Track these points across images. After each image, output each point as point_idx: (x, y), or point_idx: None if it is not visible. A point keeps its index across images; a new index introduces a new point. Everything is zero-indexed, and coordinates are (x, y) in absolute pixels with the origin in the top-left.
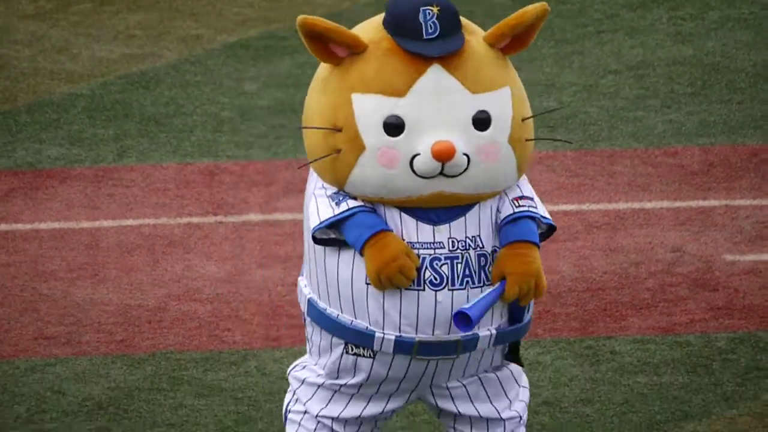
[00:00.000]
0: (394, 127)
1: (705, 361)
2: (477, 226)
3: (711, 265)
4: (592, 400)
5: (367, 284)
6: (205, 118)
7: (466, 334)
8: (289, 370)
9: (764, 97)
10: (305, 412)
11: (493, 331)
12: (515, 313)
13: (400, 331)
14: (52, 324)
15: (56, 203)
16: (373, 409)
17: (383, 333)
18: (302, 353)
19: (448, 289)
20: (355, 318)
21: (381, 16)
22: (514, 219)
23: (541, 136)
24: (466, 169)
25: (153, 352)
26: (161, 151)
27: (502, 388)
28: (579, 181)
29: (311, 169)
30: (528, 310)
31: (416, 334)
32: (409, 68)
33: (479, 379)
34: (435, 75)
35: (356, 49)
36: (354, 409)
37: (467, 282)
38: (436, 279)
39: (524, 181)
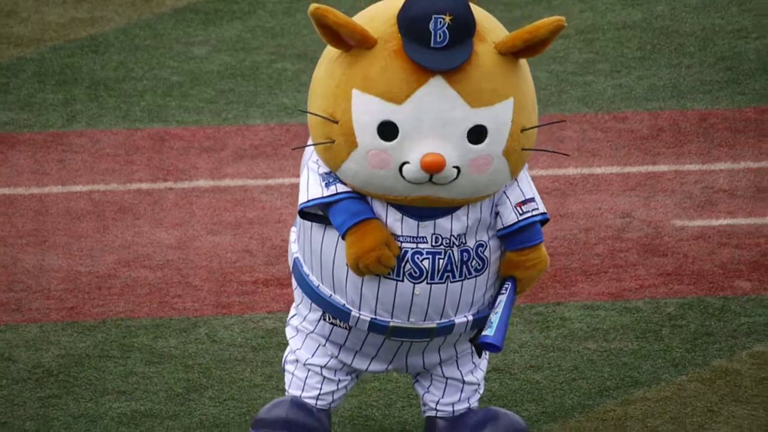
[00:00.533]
0: (388, 131)
1: (654, 327)
2: (464, 225)
3: (660, 230)
4: (542, 367)
5: (348, 266)
6: (154, 82)
7: (442, 321)
8: (288, 318)
9: (712, 61)
10: (296, 361)
11: (470, 318)
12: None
13: (375, 314)
14: (0, 291)
15: (5, 169)
16: (358, 364)
17: (359, 313)
18: (252, 321)
19: (427, 283)
20: (334, 293)
21: (398, 5)
22: (521, 228)
23: None
24: (455, 179)
25: (103, 319)
26: (110, 117)
27: (471, 351)
28: None
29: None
30: None
31: (391, 318)
32: (411, 76)
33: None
34: (436, 86)
35: (365, 44)
36: (338, 363)
37: (447, 276)
38: (415, 272)
39: (523, 174)
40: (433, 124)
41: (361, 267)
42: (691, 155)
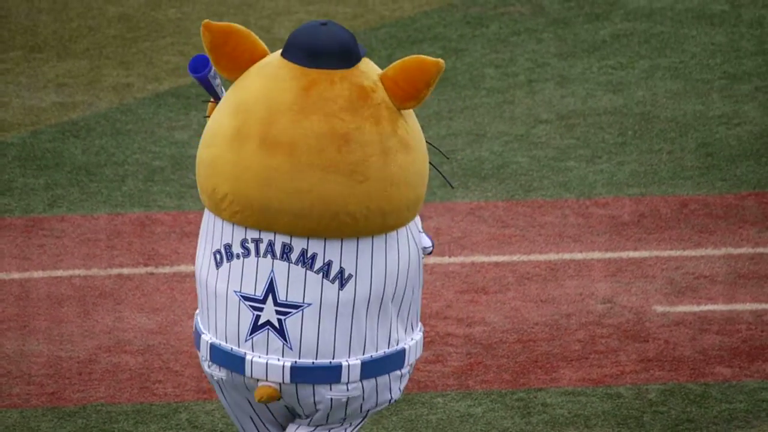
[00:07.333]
0: None
1: (636, 413)
2: None
3: (642, 316)
4: None
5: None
6: (136, 167)
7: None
8: None
9: (693, 147)
10: None
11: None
12: None
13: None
14: None
15: None
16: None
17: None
18: None
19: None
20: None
21: None
22: None
23: (472, 186)
24: None
25: (83, 405)
26: (92, 201)
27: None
28: (510, 232)
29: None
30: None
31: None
32: None
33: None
34: None
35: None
36: None
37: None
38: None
39: None
40: None
41: None
42: (672, 241)
